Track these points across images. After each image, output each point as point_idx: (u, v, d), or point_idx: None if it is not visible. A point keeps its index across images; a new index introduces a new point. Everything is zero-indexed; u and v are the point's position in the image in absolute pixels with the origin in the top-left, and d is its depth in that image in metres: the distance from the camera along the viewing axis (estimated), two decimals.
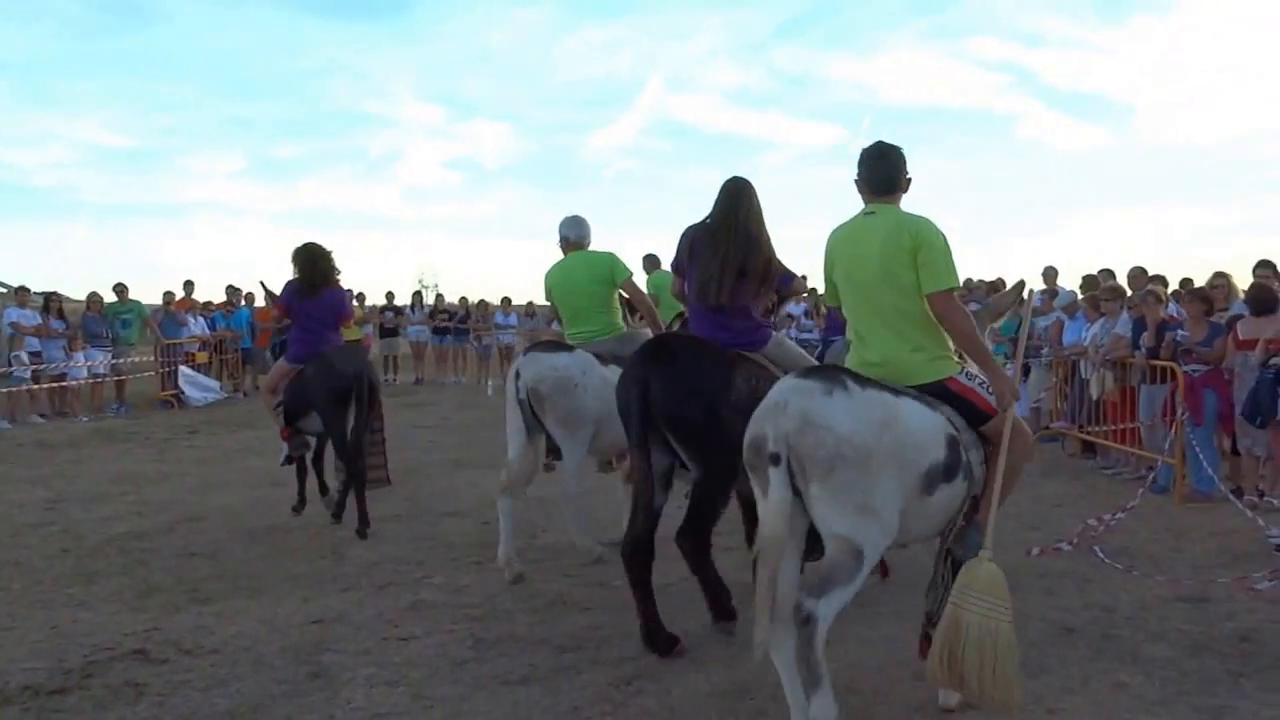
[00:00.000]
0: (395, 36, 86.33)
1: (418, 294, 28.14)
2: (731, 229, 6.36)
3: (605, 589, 7.30)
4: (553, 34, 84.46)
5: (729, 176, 6.58)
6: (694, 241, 6.52)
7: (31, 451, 14.57)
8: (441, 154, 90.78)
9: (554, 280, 8.38)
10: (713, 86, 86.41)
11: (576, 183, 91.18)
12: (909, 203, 5.38)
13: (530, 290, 44.10)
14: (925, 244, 5.04)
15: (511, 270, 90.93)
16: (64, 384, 18.76)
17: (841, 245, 5.37)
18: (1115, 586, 7.08)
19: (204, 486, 11.53)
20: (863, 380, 4.75)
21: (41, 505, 10.44)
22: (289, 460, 9.99)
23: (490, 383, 23.53)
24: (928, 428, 4.82)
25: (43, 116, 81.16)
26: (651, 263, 11.73)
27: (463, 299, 28.08)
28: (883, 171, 5.32)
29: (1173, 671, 5.48)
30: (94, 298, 20.65)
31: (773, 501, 4.55)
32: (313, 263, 9.57)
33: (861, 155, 5.35)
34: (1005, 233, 77.17)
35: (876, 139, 5.34)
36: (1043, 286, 16.31)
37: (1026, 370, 13.41)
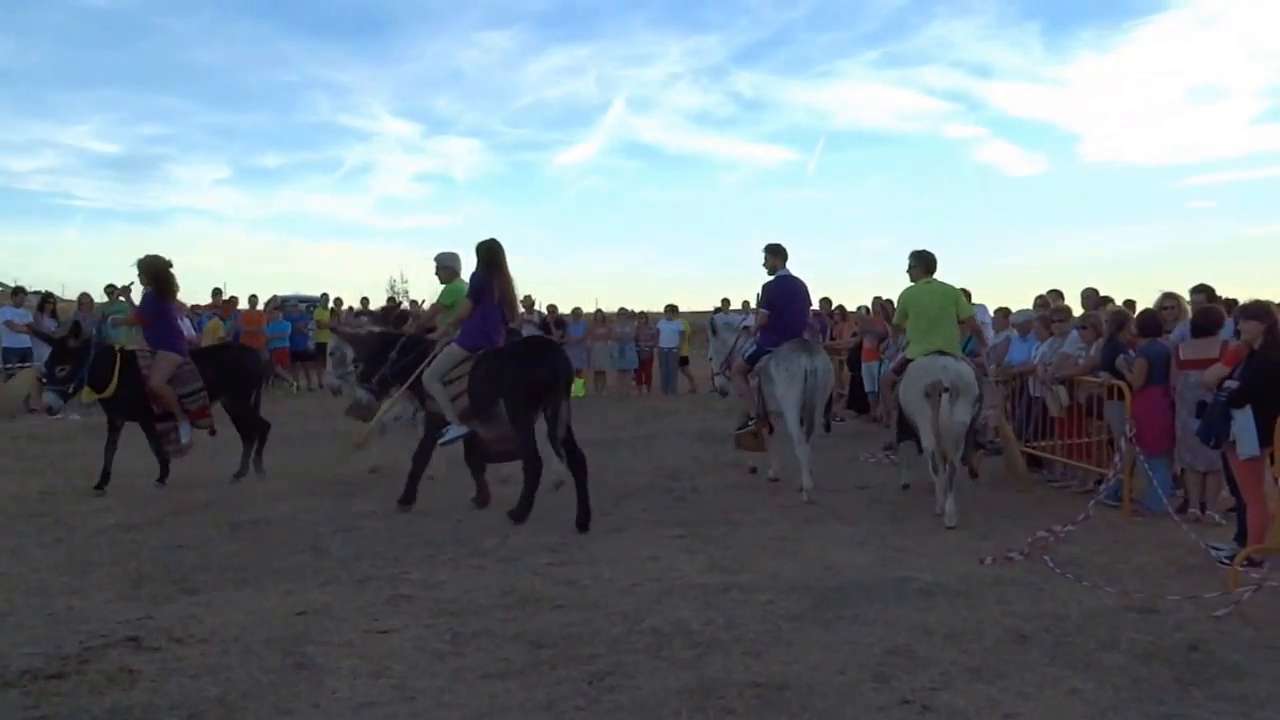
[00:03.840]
0: (372, 55, 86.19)
1: (391, 299, 27.94)
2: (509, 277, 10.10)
3: (576, 587, 7.29)
4: (521, 56, 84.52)
5: (490, 239, 10.02)
6: (496, 280, 9.89)
7: (24, 445, 14.45)
8: (414, 167, 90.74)
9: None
10: (673, 109, 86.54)
11: (542, 198, 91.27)
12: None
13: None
14: (959, 298, 10.59)
15: None
16: None
17: (918, 296, 10.44)
18: (1066, 596, 7.06)
19: (187, 482, 11.40)
20: (957, 356, 10.14)
21: (35, 496, 10.37)
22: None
23: None
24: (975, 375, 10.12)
25: (36, 124, 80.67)
26: (449, 273, 11.64)
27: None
28: (931, 264, 10.57)
29: (1124, 679, 5.47)
30: (84, 298, 20.47)
31: (944, 411, 9.54)
32: (169, 277, 11.42)
33: (916, 254, 10.61)
34: (956, 254, 77.50)
35: (922, 247, 10.70)
36: None
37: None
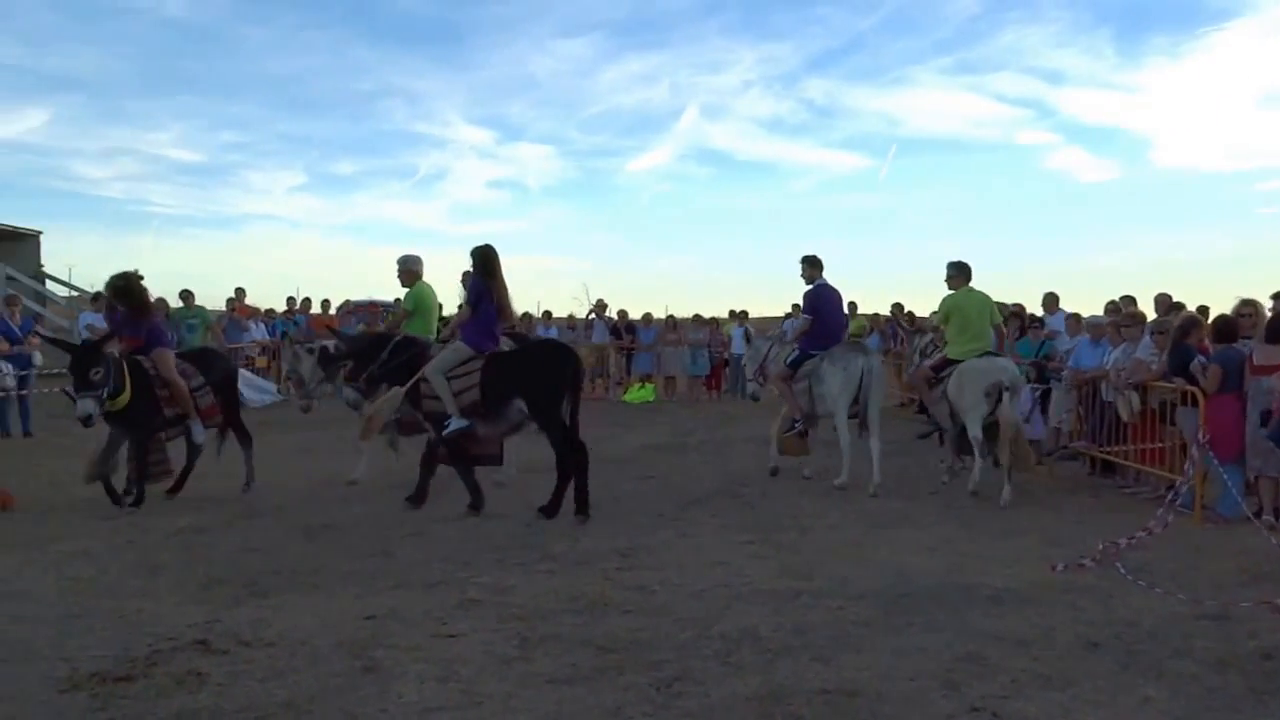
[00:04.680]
0: (447, 63, 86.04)
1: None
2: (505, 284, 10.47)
3: (644, 592, 7.25)
4: (595, 64, 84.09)
5: (486, 245, 10.47)
6: (491, 286, 10.30)
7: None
8: (488, 174, 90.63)
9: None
10: (746, 116, 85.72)
11: (614, 204, 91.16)
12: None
13: (568, 303, 43.92)
14: (994, 305, 11.84)
15: (550, 285, 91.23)
16: None
17: (961, 303, 11.51)
18: (1138, 603, 6.93)
19: (261, 484, 11.48)
20: (1004, 356, 11.67)
21: (108, 499, 10.41)
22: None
23: None
24: None
25: (116, 132, 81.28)
26: (411, 276, 11.76)
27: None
28: (969, 273, 11.70)
29: (1197, 688, 5.36)
30: (160, 303, 20.67)
31: (1005, 408, 10.74)
32: (140, 290, 10.91)
33: (955, 264, 11.69)
34: (1027, 260, 76.76)
35: (957, 258, 11.77)
36: (1041, 312, 16.28)
37: (1047, 392, 13.37)
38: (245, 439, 11.70)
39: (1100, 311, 14.78)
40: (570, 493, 9.90)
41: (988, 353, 11.42)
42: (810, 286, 12.29)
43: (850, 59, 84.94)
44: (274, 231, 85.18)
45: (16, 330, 16.63)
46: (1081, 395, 12.59)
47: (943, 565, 8.04)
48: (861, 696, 5.20)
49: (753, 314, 25.19)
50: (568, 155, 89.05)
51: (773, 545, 8.72)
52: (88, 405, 9.78)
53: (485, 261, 10.44)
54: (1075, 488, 11.76)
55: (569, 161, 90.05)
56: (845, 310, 13.31)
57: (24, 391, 16.46)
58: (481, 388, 10.03)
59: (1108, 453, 11.85)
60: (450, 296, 12.64)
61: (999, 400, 10.81)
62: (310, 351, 11.97)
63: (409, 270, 11.81)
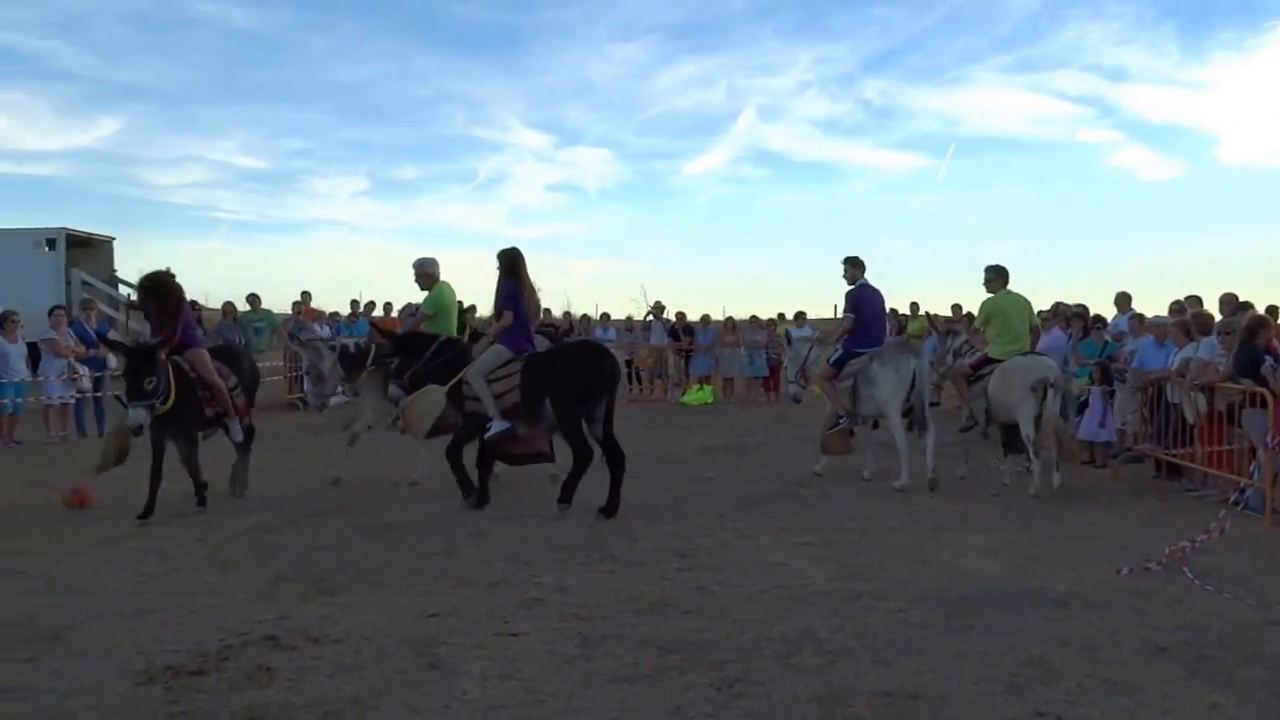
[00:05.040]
0: (505, 68, 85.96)
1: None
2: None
3: (704, 593, 7.23)
4: (651, 67, 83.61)
5: (513, 247, 10.72)
6: (523, 286, 10.55)
7: (170, 449, 14.73)
8: (546, 177, 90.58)
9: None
10: (802, 117, 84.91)
11: (671, 206, 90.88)
12: None
13: (627, 305, 43.95)
14: (1031, 307, 12.44)
15: (608, 287, 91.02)
16: None
17: (1001, 305, 11.94)
18: (1206, 608, 6.80)
19: (328, 484, 11.62)
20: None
21: (180, 498, 10.55)
22: None
23: None
24: None
25: (185, 140, 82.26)
26: (428, 279, 11.74)
27: (566, 313, 28.18)
28: (1008, 276, 12.15)
29: (1268, 694, 5.25)
30: (228, 306, 20.93)
31: (1048, 405, 10.89)
32: (172, 288, 10.55)
33: (994, 268, 12.16)
34: (1089, 259, 75.66)
35: (995, 262, 12.32)
36: (1114, 312, 16.10)
37: (1112, 394, 13.20)
38: (250, 436, 11.67)
39: (1164, 312, 14.55)
40: (573, 487, 10.17)
41: (1030, 352, 11.85)
42: (852, 286, 12.40)
43: (908, 59, 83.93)
44: (337, 236, 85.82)
45: (92, 334, 16.94)
46: (1146, 397, 12.43)
47: (1005, 568, 7.96)
48: (923, 699, 5.16)
49: (811, 315, 25.07)
50: (625, 158, 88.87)
51: (832, 547, 8.68)
52: (139, 415, 9.58)
53: (513, 264, 10.63)
54: (1140, 490, 11.59)
55: (626, 165, 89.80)
56: (887, 310, 13.69)
57: (99, 393, 16.77)
58: (522, 388, 10.19)
59: (1173, 455, 11.69)
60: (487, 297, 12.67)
61: (1044, 396, 10.93)
62: (332, 349, 12.08)
63: (425, 273, 11.90)
